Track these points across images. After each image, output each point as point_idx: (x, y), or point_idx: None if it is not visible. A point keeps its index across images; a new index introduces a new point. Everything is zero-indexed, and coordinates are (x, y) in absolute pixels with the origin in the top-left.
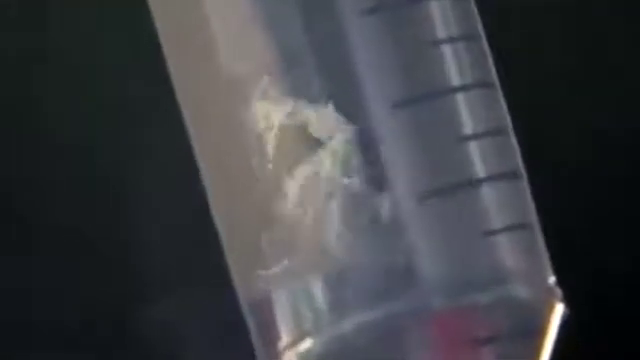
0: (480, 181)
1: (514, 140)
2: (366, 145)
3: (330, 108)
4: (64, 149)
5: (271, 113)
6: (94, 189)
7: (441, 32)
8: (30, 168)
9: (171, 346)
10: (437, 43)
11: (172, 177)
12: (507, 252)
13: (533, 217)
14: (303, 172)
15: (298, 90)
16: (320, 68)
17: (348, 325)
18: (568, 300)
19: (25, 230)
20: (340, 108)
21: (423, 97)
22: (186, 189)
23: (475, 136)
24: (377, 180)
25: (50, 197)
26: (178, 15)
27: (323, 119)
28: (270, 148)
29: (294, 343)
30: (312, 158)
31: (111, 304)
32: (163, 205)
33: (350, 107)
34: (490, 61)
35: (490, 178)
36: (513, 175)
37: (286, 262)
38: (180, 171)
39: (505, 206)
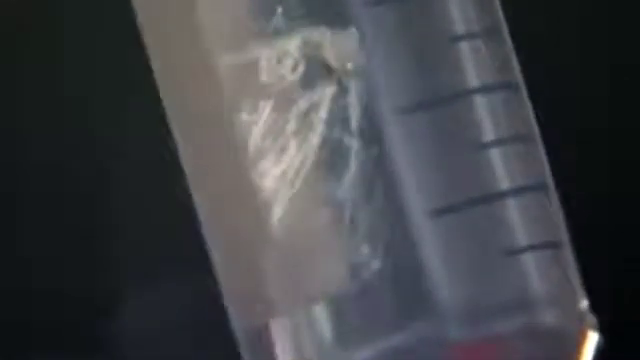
0: (503, 194)
1: (541, 147)
2: (374, 156)
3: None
4: (45, 146)
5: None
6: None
7: (459, 27)
8: (9, 164)
9: (155, 344)
10: (453, 39)
11: (156, 174)
12: (533, 273)
13: (563, 234)
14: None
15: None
16: None
17: (356, 358)
18: (603, 327)
19: (10, 225)
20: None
21: (436, 100)
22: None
23: (497, 143)
24: (386, 193)
25: (34, 193)
26: None
27: (342, 41)
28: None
29: None
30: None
31: (95, 301)
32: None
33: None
34: (514, 59)
35: (514, 190)
36: (540, 186)
37: (288, 287)
38: (164, 169)
39: (531, 222)
